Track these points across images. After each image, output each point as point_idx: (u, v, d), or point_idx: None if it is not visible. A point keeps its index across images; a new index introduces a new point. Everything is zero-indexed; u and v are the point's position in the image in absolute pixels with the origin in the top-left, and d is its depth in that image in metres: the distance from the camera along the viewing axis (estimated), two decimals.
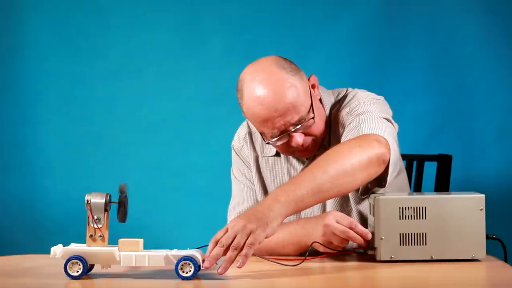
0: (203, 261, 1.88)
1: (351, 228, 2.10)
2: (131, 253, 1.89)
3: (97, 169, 3.51)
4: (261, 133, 2.31)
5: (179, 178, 3.50)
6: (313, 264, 2.07)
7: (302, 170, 2.34)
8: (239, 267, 1.87)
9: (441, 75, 3.42)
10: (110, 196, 1.92)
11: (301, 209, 2.03)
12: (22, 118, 3.54)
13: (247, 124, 2.52)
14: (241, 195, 2.50)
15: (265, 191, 2.43)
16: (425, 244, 2.04)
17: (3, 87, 3.55)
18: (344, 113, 2.30)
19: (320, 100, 2.37)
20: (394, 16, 3.43)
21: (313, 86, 2.33)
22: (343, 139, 2.23)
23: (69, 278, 1.88)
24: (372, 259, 2.08)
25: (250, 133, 2.50)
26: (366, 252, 2.10)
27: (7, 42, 3.55)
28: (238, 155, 2.51)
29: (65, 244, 1.93)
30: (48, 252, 1.92)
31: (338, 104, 2.36)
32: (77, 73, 3.54)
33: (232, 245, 1.88)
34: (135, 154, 3.53)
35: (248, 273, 1.94)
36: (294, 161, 2.40)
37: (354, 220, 2.13)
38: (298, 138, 2.25)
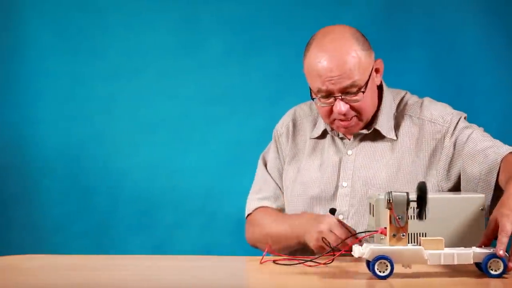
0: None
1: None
2: (439, 251, 1.87)
3: (97, 169, 3.51)
4: (310, 89, 2.31)
5: (178, 178, 3.49)
6: (311, 264, 2.07)
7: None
8: None
9: (441, 75, 3.41)
10: (408, 194, 1.88)
11: None
12: (22, 118, 3.54)
13: (294, 111, 2.52)
14: (263, 182, 2.50)
15: (303, 175, 2.42)
16: None
17: (3, 87, 3.55)
18: (433, 120, 2.41)
19: (381, 87, 2.38)
20: (394, 16, 3.42)
21: (376, 70, 2.36)
22: (481, 149, 2.31)
23: (375, 278, 1.86)
24: None
25: (294, 120, 2.50)
26: None
27: (7, 42, 3.54)
28: (276, 141, 2.51)
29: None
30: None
31: (402, 105, 2.41)
32: (76, 73, 3.53)
33: None
34: (134, 154, 3.52)
35: (246, 273, 1.94)
36: (339, 142, 2.40)
37: (350, 230, 2.15)
38: (342, 106, 2.27)
